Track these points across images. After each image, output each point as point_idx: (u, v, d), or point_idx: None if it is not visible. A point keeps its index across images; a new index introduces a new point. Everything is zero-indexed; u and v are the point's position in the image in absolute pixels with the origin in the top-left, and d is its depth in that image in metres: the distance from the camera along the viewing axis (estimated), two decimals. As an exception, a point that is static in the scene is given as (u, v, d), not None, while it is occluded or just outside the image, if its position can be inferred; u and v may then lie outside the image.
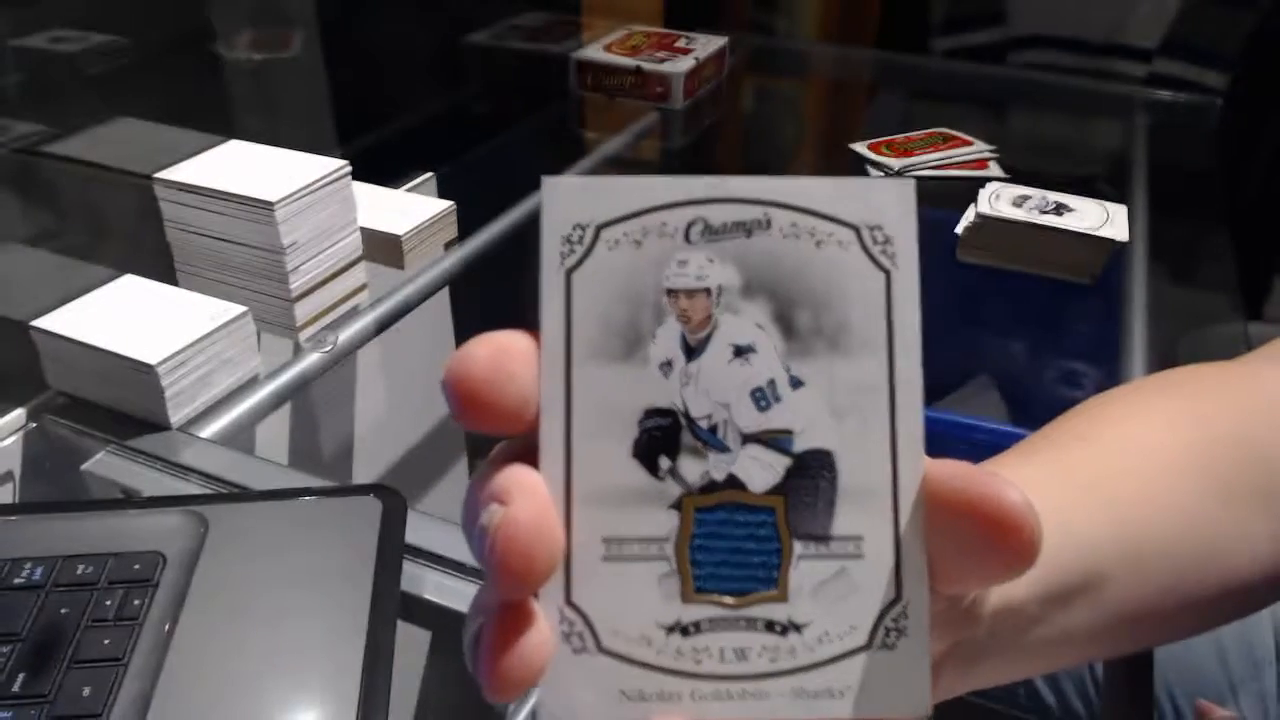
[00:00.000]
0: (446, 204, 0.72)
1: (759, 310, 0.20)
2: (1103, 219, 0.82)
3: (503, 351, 0.20)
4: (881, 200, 0.21)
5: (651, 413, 0.20)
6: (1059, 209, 0.83)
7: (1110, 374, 0.72)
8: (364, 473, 0.88)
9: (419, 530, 0.48)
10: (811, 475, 0.20)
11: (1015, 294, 0.89)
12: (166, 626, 0.41)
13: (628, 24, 1.19)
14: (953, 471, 0.20)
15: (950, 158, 0.99)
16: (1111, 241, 0.80)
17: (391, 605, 0.42)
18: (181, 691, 0.39)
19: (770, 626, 0.20)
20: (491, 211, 0.83)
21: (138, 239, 0.66)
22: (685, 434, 0.20)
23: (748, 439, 0.20)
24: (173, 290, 0.61)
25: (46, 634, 0.41)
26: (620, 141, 1.03)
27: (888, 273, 0.20)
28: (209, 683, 0.39)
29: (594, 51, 1.11)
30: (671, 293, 0.20)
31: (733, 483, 0.20)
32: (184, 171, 0.63)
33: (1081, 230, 0.80)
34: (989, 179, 0.91)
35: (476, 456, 1.06)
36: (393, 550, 0.45)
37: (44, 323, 0.57)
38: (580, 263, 0.20)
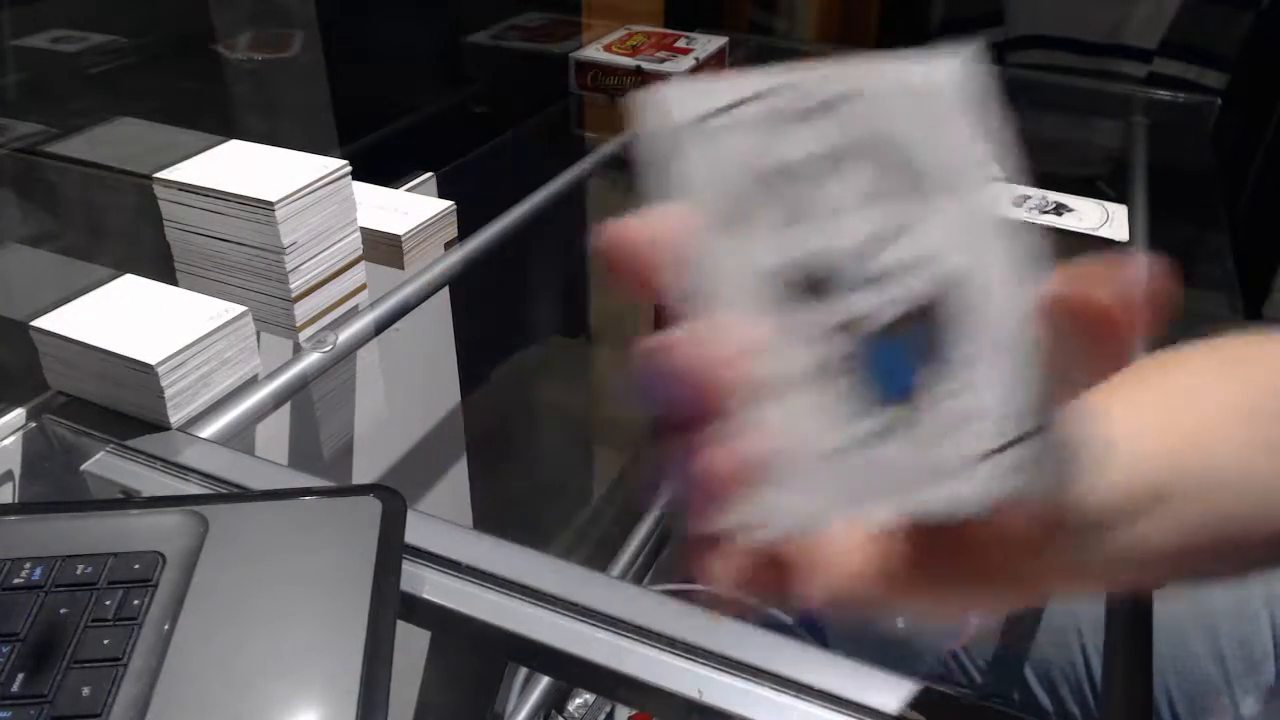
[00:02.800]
0: (446, 204, 0.72)
1: (868, 168, 0.23)
2: (1103, 219, 0.82)
3: (652, 224, 0.22)
4: (952, 61, 0.23)
5: (787, 267, 0.23)
6: (1059, 209, 0.83)
7: (1110, 374, 0.72)
8: (364, 473, 0.88)
9: (419, 530, 0.48)
10: (942, 303, 0.23)
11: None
12: (166, 626, 0.41)
13: (628, 24, 1.19)
14: (1059, 280, 0.22)
15: (950, 158, 0.99)
16: (1111, 241, 0.80)
17: (391, 605, 0.42)
18: (181, 691, 0.39)
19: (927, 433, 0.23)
20: (491, 211, 0.83)
21: (138, 239, 0.66)
22: (821, 280, 0.23)
23: (878, 276, 0.23)
24: (172, 290, 0.61)
25: (46, 634, 0.41)
26: (620, 141, 1.03)
27: (971, 118, 0.23)
28: (209, 683, 0.39)
29: (594, 51, 1.11)
30: (783, 165, 0.23)
31: (871, 316, 0.23)
32: (184, 171, 0.63)
33: (1081, 230, 0.80)
34: (989, 179, 0.91)
35: (476, 456, 1.06)
36: (393, 550, 0.45)
37: (44, 323, 0.57)
38: (696, 149, 0.23)
